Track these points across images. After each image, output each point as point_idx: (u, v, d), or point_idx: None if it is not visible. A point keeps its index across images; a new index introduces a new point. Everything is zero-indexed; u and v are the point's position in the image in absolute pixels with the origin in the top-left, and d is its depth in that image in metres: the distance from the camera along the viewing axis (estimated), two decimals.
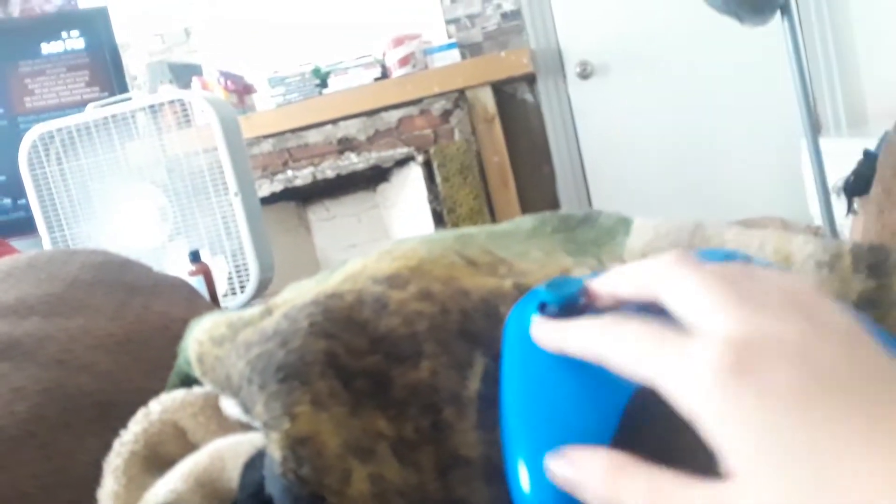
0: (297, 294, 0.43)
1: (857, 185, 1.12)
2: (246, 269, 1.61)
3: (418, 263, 0.39)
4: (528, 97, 2.49)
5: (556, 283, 0.30)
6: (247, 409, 0.32)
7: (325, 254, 2.58)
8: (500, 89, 2.43)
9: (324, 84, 2.40)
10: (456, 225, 2.31)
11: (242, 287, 1.61)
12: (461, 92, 2.34)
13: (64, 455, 0.43)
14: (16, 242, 1.57)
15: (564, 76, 2.48)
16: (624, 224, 0.46)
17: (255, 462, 0.33)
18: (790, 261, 0.39)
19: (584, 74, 2.47)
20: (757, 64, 2.32)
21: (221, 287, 1.59)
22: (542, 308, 0.30)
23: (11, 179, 1.78)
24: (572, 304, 0.30)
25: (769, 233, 0.42)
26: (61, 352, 0.49)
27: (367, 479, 0.29)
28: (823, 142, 1.51)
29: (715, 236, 0.42)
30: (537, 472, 0.26)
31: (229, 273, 1.63)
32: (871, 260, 0.38)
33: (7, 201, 1.90)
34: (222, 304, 1.54)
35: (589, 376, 0.27)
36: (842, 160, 1.43)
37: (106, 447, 0.39)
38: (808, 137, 1.44)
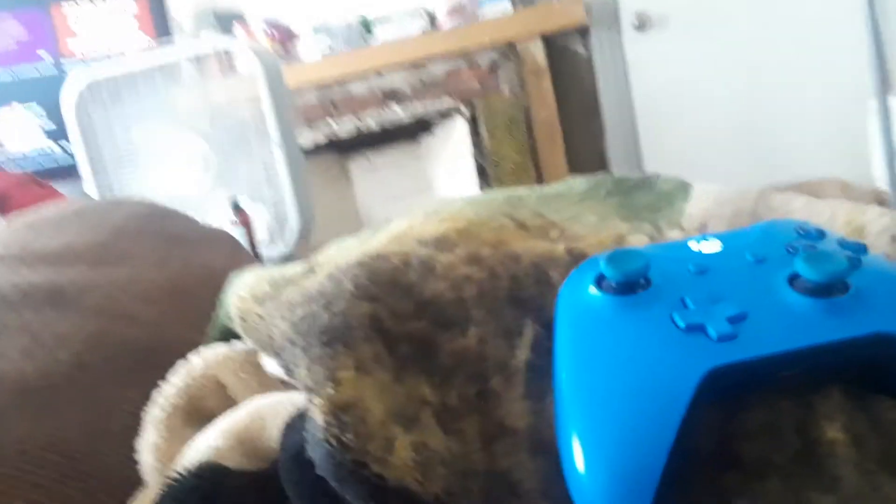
0: (340, 253, 0.42)
1: None
2: (286, 219, 1.62)
3: (466, 225, 0.38)
4: (581, 50, 2.42)
5: (617, 255, 0.28)
6: (289, 371, 0.31)
7: (366, 205, 2.57)
8: (552, 42, 2.36)
9: (370, 34, 2.36)
10: (500, 180, 2.28)
11: (283, 237, 1.62)
12: (511, 44, 2.28)
13: (106, 404, 0.43)
14: (60, 187, 1.59)
15: (619, 28, 2.40)
16: (683, 189, 0.44)
17: (296, 423, 0.32)
18: (863, 233, 0.37)
19: (641, 26, 2.38)
20: (825, 17, 2.21)
21: (261, 236, 1.60)
22: (599, 280, 0.29)
23: (56, 124, 1.80)
24: (632, 280, 0.28)
25: (840, 203, 0.39)
26: (105, 300, 0.49)
27: (411, 446, 0.28)
28: (892, 100, 1.43)
29: (781, 206, 0.40)
30: (593, 451, 0.24)
31: (269, 223, 1.64)
32: None
33: (52, 145, 1.93)
34: (262, 253, 1.56)
35: (654, 352, 0.26)
36: None
37: (147, 398, 0.40)
38: (879, 96, 1.36)
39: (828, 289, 0.27)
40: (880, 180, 1.48)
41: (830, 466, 0.25)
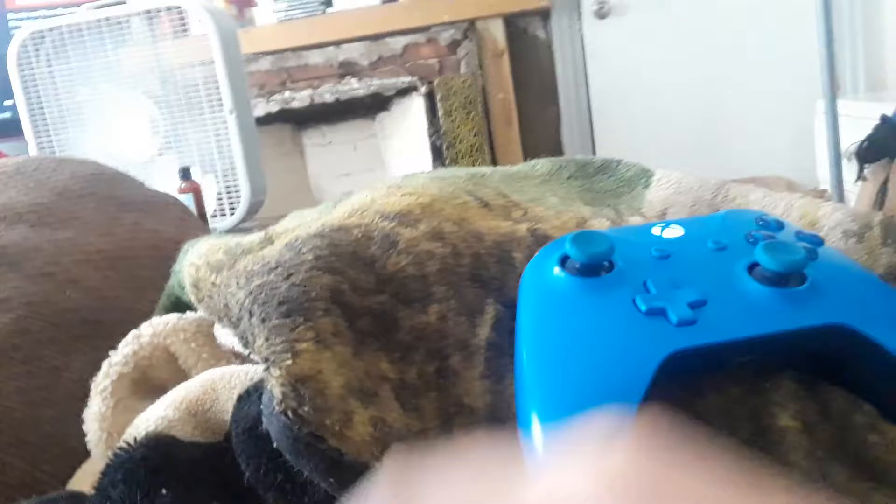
0: (300, 224, 0.41)
1: (871, 151, 1.09)
2: (237, 191, 1.58)
3: (430, 201, 0.37)
4: (540, 33, 2.42)
5: (582, 236, 0.28)
6: (246, 342, 0.30)
7: (319, 180, 2.54)
8: (512, 22, 2.36)
9: (328, 3, 2.32)
10: (455, 162, 2.27)
11: (233, 209, 1.58)
12: (471, 22, 2.26)
13: (49, 371, 0.42)
14: (0, 145, 1.52)
15: (580, 13, 2.41)
16: (644, 175, 0.44)
17: (251, 395, 0.31)
18: (816, 227, 0.38)
19: (601, 13, 2.39)
20: (780, 18, 2.26)
21: (210, 207, 1.57)
22: (564, 261, 0.29)
23: None
24: (597, 263, 0.28)
25: (796, 197, 0.40)
26: (48, 264, 0.47)
27: (369, 421, 0.28)
28: (840, 103, 1.47)
29: (739, 196, 0.41)
30: (552, 431, 0.24)
31: (219, 193, 1.60)
32: None
33: None
34: (211, 225, 1.52)
35: (616, 334, 0.26)
36: (857, 123, 1.40)
37: (92, 365, 0.38)
38: (827, 98, 1.40)
39: (785, 279, 0.27)
40: (824, 181, 1.52)
41: (782, 453, 0.25)
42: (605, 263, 0.29)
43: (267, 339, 0.28)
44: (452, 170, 0.46)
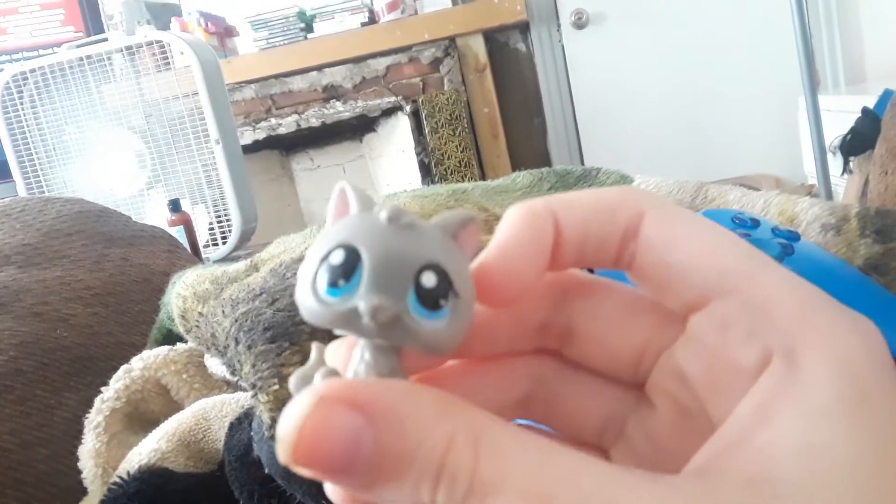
0: (284, 250, 0.41)
1: (854, 144, 1.10)
2: (228, 220, 1.58)
3: None
4: (521, 47, 2.44)
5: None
6: (234, 370, 0.30)
7: (310, 205, 2.54)
8: (492, 37, 2.38)
9: (309, 28, 2.33)
10: (444, 177, 2.28)
11: (224, 238, 1.58)
12: (452, 40, 2.28)
13: (42, 410, 0.42)
14: None
15: (559, 25, 2.43)
16: (623, 181, 0.45)
17: (242, 422, 0.32)
18: (795, 223, 0.38)
19: (580, 24, 2.42)
20: (757, 17, 2.28)
21: (202, 238, 1.57)
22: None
23: None
24: None
25: (773, 194, 0.41)
26: (38, 304, 0.47)
27: None
28: (821, 99, 1.48)
29: (718, 196, 0.41)
30: None
31: (210, 223, 1.60)
32: (878, 224, 0.37)
33: None
34: (204, 256, 1.52)
35: None
36: (839, 118, 1.41)
37: (85, 402, 0.38)
38: (808, 94, 1.41)
39: None
40: (812, 177, 1.53)
41: None
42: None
43: (254, 366, 0.28)
44: (434, 187, 0.47)
